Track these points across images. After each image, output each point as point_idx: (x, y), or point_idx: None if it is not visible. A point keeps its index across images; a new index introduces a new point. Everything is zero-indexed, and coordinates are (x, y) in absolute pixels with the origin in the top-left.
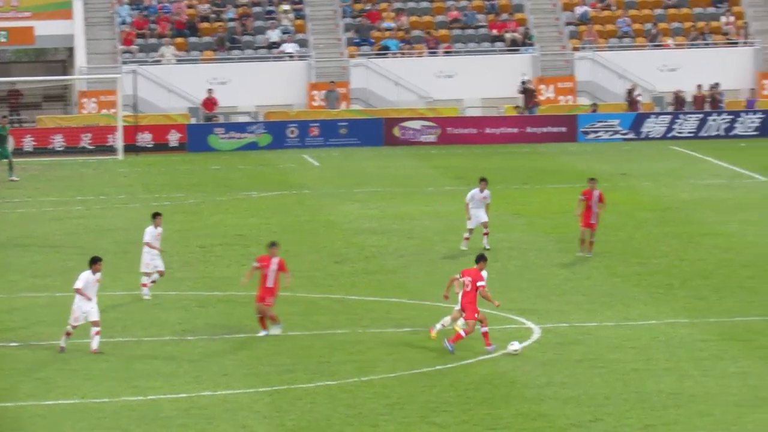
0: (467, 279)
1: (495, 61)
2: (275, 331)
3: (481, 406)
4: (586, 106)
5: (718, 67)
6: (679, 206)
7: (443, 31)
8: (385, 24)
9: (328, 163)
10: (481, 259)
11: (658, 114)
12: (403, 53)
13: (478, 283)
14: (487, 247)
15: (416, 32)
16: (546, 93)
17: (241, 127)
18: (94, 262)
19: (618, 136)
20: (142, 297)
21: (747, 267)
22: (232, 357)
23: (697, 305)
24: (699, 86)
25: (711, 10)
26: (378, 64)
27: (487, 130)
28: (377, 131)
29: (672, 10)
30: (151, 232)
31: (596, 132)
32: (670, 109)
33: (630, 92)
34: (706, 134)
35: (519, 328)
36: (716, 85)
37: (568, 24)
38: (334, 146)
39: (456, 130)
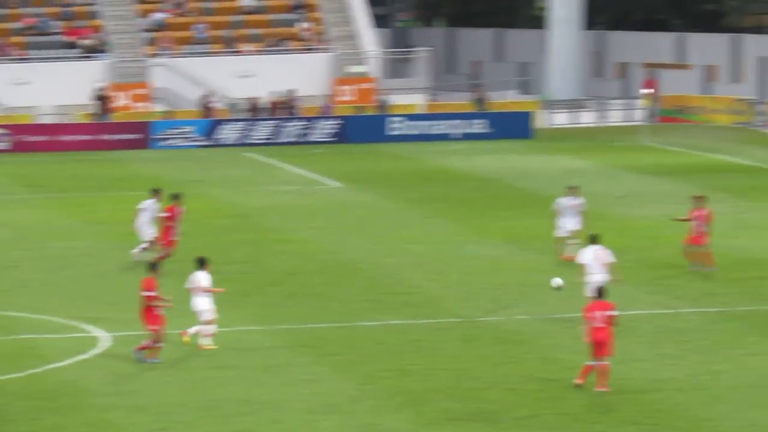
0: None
1: (70, 68)
2: None
3: (49, 415)
4: (161, 112)
5: (295, 74)
6: (253, 213)
7: (18, 38)
8: None
9: None
10: (151, 267)
11: (232, 121)
12: None
13: (145, 293)
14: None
15: None
16: (121, 100)
17: None
18: None
19: (193, 142)
20: None
21: (318, 274)
22: None
23: (268, 312)
24: (275, 92)
25: (288, 16)
26: None
27: (62, 138)
28: None
29: (249, 17)
30: None
31: (171, 139)
32: (246, 115)
33: (205, 99)
34: (281, 140)
35: (88, 336)
36: (292, 91)
37: (144, 31)
38: None
39: (30, 138)
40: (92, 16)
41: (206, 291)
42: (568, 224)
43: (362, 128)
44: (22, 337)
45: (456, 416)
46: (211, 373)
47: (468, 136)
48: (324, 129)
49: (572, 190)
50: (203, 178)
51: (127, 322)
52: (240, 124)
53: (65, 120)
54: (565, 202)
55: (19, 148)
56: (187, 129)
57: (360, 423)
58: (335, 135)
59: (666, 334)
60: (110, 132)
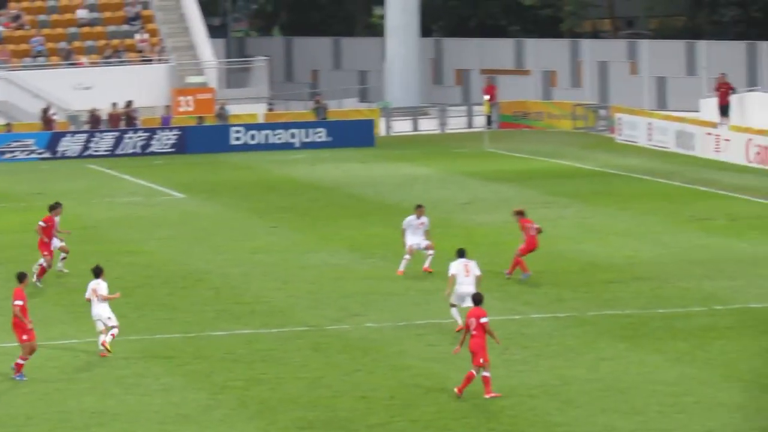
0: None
1: None
2: None
3: None
4: (1, 126)
5: (134, 85)
6: (97, 225)
7: None
8: None
9: None
10: (20, 277)
11: (73, 133)
12: None
13: (15, 303)
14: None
15: None
16: None
17: None
18: None
19: (34, 155)
20: None
21: (166, 284)
22: None
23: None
24: (114, 104)
25: (125, 27)
26: None
27: None
28: None
29: (86, 29)
30: None
31: (12, 152)
32: (86, 127)
33: (45, 111)
34: (122, 152)
35: None
36: (131, 102)
37: None
38: None
39: None
40: None
41: (106, 299)
42: (413, 241)
43: (202, 139)
44: None
45: (309, 425)
46: (63, 384)
47: (309, 145)
48: (164, 140)
49: (419, 210)
50: (45, 190)
51: None
52: (81, 136)
53: None
54: (411, 220)
55: None
56: (28, 142)
57: None
58: (175, 145)
59: (516, 340)
60: None
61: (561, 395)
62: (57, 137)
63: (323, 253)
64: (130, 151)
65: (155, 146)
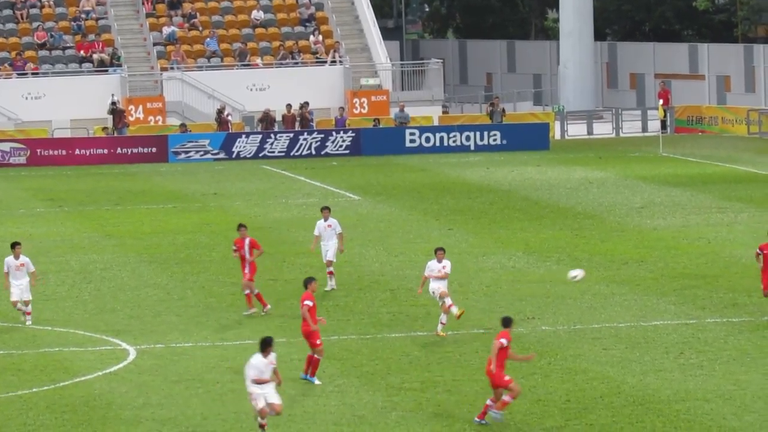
0: None
1: (83, 82)
2: None
3: (78, 428)
4: (176, 126)
5: (308, 86)
6: (272, 226)
7: (30, 53)
8: None
9: None
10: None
11: (248, 134)
12: None
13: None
14: None
15: (2, 54)
16: (135, 113)
17: None
18: None
19: (209, 156)
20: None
21: (341, 286)
22: None
23: (292, 324)
24: (289, 105)
25: (299, 29)
26: None
27: (78, 152)
28: None
29: (260, 30)
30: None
31: (187, 152)
32: (259, 128)
33: (220, 112)
34: (297, 153)
35: (114, 349)
36: (306, 104)
37: (156, 44)
38: None
39: (46, 152)
40: (103, 30)
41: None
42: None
43: (377, 141)
44: (49, 350)
45: (486, 428)
46: (237, 386)
47: (483, 148)
48: (339, 142)
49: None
50: (220, 190)
51: (149, 335)
52: (255, 137)
53: (80, 134)
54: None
55: (35, 162)
56: (203, 142)
57: None
58: (349, 147)
59: (691, 344)
60: (126, 146)
61: (736, 400)
62: (232, 138)
63: (499, 255)
64: (305, 152)
65: (330, 148)
